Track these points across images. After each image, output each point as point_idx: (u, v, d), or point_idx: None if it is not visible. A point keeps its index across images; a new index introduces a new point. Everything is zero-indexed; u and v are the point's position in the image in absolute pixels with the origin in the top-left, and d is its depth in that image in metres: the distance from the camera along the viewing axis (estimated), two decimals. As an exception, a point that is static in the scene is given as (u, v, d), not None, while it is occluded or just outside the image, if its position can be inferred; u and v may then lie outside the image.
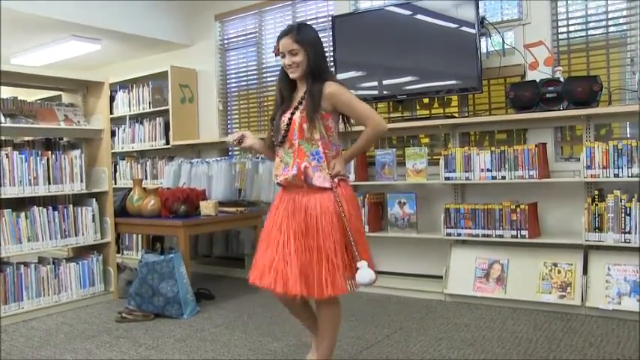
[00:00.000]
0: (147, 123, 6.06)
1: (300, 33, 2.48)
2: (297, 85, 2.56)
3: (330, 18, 4.85)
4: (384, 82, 4.56)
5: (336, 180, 2.47)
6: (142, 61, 6.65)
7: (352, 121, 2.59)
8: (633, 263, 3.54)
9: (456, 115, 4.48)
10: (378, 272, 4.81)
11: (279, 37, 2.52)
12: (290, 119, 2.48)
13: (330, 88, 2.44)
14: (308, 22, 5.17)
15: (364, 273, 2.37)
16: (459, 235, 4.11)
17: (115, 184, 6.01)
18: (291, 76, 2.51)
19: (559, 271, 3.77)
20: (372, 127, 2.48)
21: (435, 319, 3.70)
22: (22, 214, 4.04)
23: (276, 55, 2.59)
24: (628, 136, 3.89)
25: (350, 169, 4.46)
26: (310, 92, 2.45)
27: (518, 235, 3.85)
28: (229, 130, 6.04)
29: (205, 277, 5.21)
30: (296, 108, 2.49)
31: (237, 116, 6.03)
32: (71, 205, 4.36)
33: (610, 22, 3.92)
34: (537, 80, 3.88)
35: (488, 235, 3.98)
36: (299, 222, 2.45)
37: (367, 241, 2.62)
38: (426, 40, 4.35)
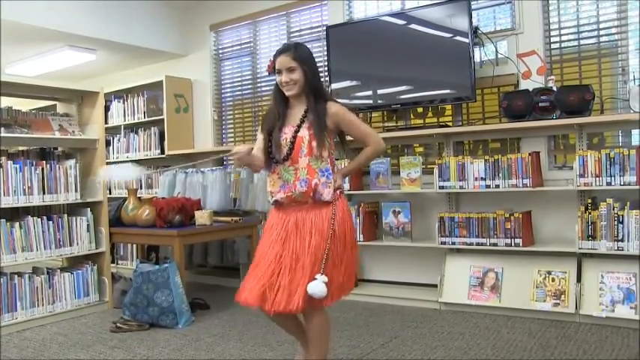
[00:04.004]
0: (142, 133, 6.06)
1: (298, 51, 2.52)
2: (291, 103, 2.58)
3: (325, 28, 4.87)
4: (379, 92, 4.58)
5: (337, 193, 2.53)
6: (137, 71, 6.67)
7: (346, 137, 2.65)
8: (626, 271, 3.56)
9: (450, 124, 4.50)
10: (372, 281, 4.85)
11: (276, 55, 2.53)
12: (294, 137, 2.49)
13: (333, 107, 2.52)
14: (303, 31, 5.23)
15: (319, 286, 2.35)
16: (453, 243, 4.12)
17: (110, 193, 6.00)
18: (288, 93, 2.52)
19: (553, 279, 3.78)
20: (374, 146, 2.61)
21: (429, 327, 3.70)
22: (17, 224, 4.03)
23: (269, 73, 2.60)
24: (620, 144, 3.93)
25: (345, 178, 4.47)
26: (315, 111, 2.48)
27: (513, 244, 3.87)
28: (224, 140, 6.05)
29: (200, 287, 5.19)
30: (299, 125, 2.50)
31: (232, 126, 6.04)
32: (66, 215, 4.35)
33: (601, 32, 3.96)
34: (530, 89, 3.91)
35: (482, 244, 4.00)
36: (302, 237, 2.46)
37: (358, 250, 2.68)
38: (420, 50, 4.37)
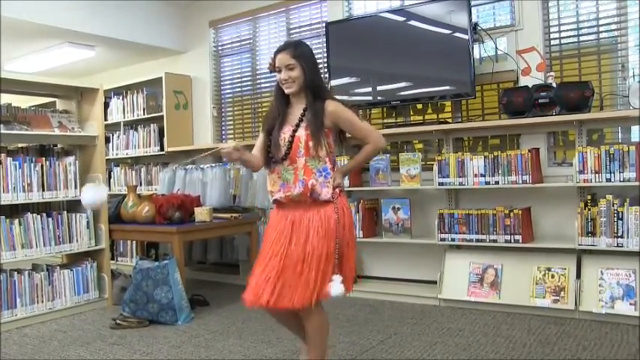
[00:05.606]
0: (141, 129, 6.06)
1: (298, 49, 2.52)
2: (292, 101, 2.57)
3: (324, 24, 4.86)
4: (378, 88, 4.58)
5: (337, 191, 2.52)
6: (136, 68, 6.66)
7: (347, 134, 2.63)
8: (626, 267, 3.56)
9: (450, 120, 4.49)
10: (371, 277, 4.84)
11: (276, 52, 2.53)
12: (292, 136, 2.49)
13: (331, 106, 2.49)
14: (302, 27, 5.23)
15: (336, 286, 2.39)
16: (452, 240, 4.12)
17: (110, 190, 6.00)
18: (287, 91, 2.52)
19: (552, 276, 3.78)
20: (373, 144, 2.57)
21: (429, 324, 3.70)
22: (16, 221, 4.03)
23: (271, 71, 2.60)
24: (620, 140, 3.92)
25: (345, 176, 4.46)
26: (313, 110, 2.48)
27: (512, 240, 3.87)
28: (223, 136, 6.05)
29: (200, 284, 5.20)
30: (297, 125, 2.49)
31: (231, 122, 6.04)
32: (65, 212, 4.35)
33: (601, 29, 3.96)
34: (530, 86, 3.90)
35: (482, 240, 4.00)
36: (299, 236, 2.46)
37: (357, 247, 2.66)
38: (420, 47, 4.37)
